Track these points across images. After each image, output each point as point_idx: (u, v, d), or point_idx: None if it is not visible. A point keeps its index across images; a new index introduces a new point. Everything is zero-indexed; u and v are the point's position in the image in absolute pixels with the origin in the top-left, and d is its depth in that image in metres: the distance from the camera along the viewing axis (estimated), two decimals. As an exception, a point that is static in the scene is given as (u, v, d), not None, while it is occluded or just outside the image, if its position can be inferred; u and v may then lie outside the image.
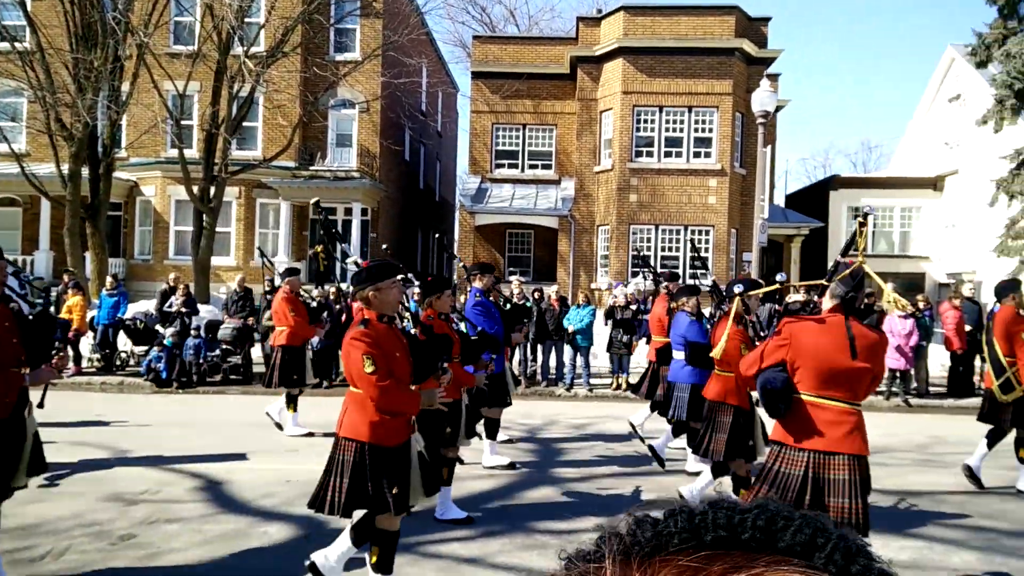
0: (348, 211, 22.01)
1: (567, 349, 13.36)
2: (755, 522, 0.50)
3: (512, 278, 16.56)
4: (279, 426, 8.97)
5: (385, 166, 22.84)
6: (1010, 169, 17.97)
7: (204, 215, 17.81)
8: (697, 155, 20.26)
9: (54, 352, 4.53)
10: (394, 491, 3.91)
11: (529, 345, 13.68)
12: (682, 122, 20.28)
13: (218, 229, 19.09)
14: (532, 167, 22.73)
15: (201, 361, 12.88)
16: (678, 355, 7.13)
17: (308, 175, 21.70)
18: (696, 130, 20.24)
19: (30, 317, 4.58)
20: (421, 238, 28.52)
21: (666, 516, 0.52)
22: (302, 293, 9.80)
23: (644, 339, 11.55)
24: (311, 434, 8.89)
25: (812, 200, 25.98)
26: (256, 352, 14.04)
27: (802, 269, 22.84)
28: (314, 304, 9.99)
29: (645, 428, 8.50)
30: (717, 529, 0.49)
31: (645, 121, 20.35)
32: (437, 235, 10.61)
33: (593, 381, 13.55)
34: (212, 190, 17.87)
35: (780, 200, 28.11)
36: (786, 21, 71.52)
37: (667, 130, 20.32)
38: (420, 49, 24.06)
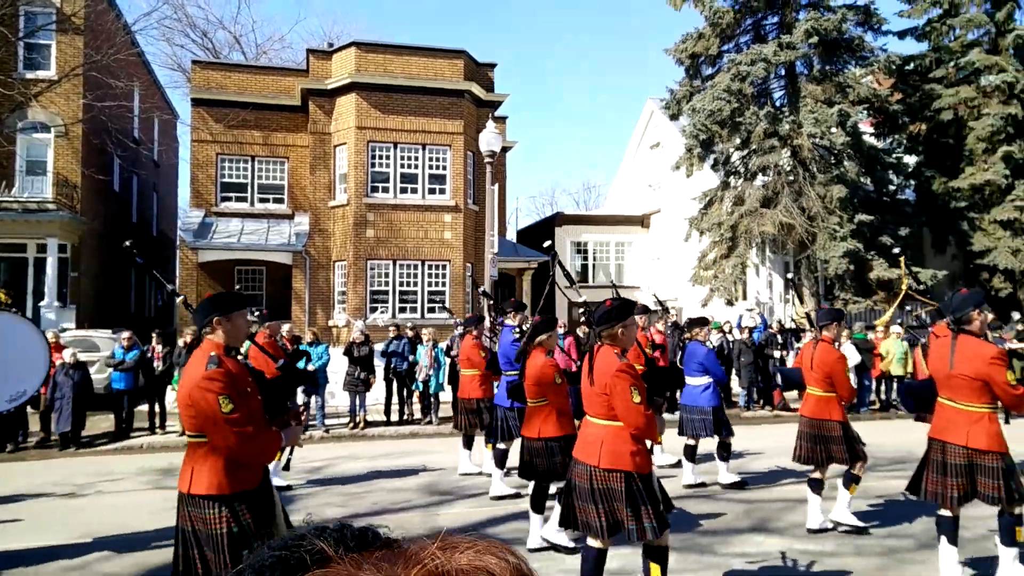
0: (42, 248, 19.19)
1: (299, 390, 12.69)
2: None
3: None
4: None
5: (89, 197, 20.34)
6: (699, 209, 20.58)
7: None
8: (432, 191, 20.64)
9: (301, 407, 3.99)
10: (660, 509, 4.22)
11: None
12: (417, 159, 20.58)
13: None
14: (263, 201, 21.64)
15: None
16: (694, 381, 8.08)
17: (-10, 206, 18.64)
18: (431, 167, 20.65)
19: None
20: (135, 277, 25.78)
21: None
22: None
23: None
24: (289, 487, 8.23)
25: (540, 235, 27.68)
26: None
27: (532, 301, 24.13)
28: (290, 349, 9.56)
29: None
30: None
31: (380, 157, 20.34)
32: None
33: (329, 421, 13.01)
34: None
35: (512, 236, 29.64)
36: (512, 69, 76.63)
37: (402, 166, 20.48)
38: (131, 71, 21.93)
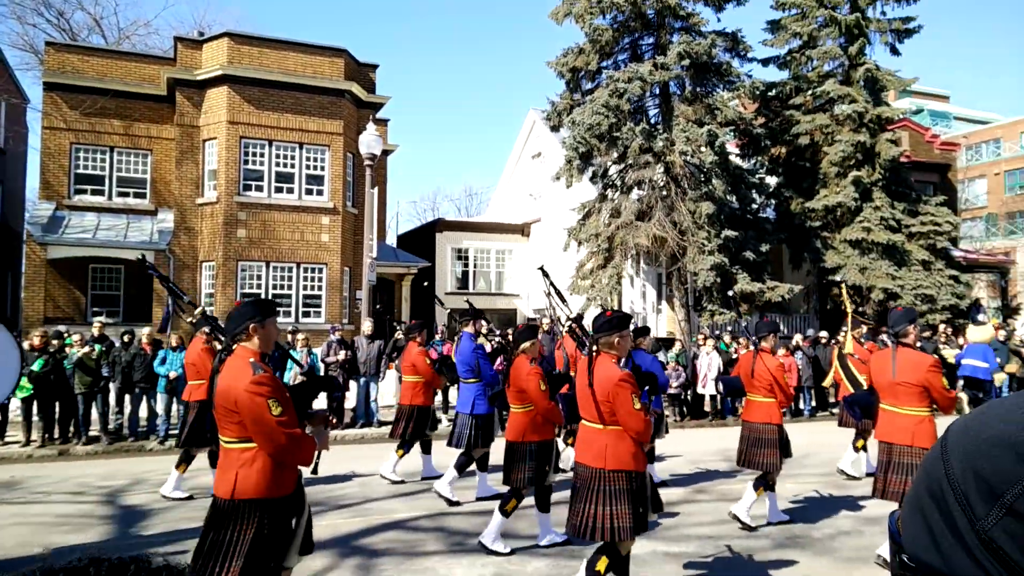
0: None
1: (160, 398, 11.94)
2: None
3: (95, 320, 14.39)
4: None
5: (-81, 184, 18.38)
6: (577, 220, 21.02)
7: None
8: (309, 192, 20.02)
9: (329, 412, 4.10)
10: (642, 511, 4.47)
11: (114, 395, 11.98)
12: (293, 158, 19.90)
13: None
14: (122, 195, 20.24)
15: None
16: None
17: None
18: (308, 167, 20.02)
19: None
20: (-25, 274, 23.49)
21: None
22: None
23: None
24: (191, 497, 8.10)
25: (421, 241, 27.48)
26: None
27: (412, 306, 23.89)
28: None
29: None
30: None
31: (254, 154, 19.52)
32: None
33: (191, 431, 12.27)
34: None
35: (393, 240, 29.22)
36: (395, 73, 75.89)
37: (278, 165, 19.75)
38: (-26, 48, 20.02)
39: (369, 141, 15.46)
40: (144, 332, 12.44)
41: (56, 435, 11.60)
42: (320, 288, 19.86)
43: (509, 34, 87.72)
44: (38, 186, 19.57)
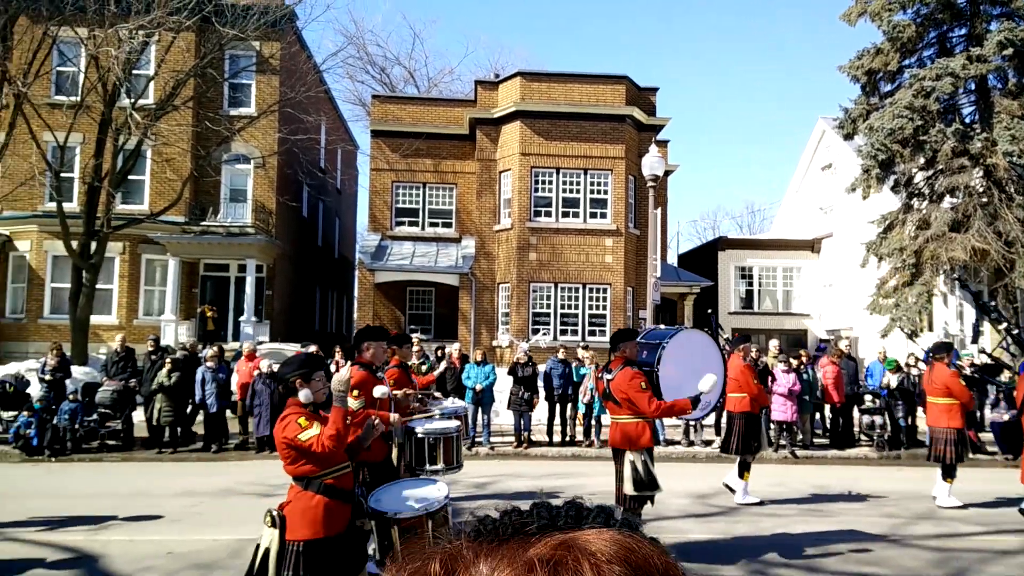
0: (242, 268, 21.34)
1: (468, 408, 13.26)
2: (567, 512, 0.72)
3: (413, 336, 16.40)
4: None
5: (281, 222, 22.38)
6: (878, 233, 19.39)
7: (84, 271, 16.83)
8: (593, 215, 20.89)
9: None
10: None
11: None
12: (578, 183, 20.93)
13: (99, 286, 18.08)
14: (433, 225, 22.84)
15: (77, 426, 12.02)
16: None
17: (199, 231, 20.94)
18: (592, 191, 20.93)
19: None
20: (319, 296, 27.90)
21: (506, 514, 0.74)
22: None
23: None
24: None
25: (702, 260, 27.16)
26: (138, 415, 13.22)
27: (694, 326, 23.66)
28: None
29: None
30: (540, 519, 0.71)
31: (543, 182, 20.88)
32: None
33: (494, 439, 13.45)
34: (93, 245, 16.97)
35: (673, 260, 29.26)
36: (674, 91, 75.74)
37: (564, 191, 20.91)
38: (318, 106, 23.96)
39: (652, 163, 15.76)
40: (453, 347, 13.91)
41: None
42: (605, 308, 20.56)
43: (791, 42, 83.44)
44: (367, 220, 22.85)
